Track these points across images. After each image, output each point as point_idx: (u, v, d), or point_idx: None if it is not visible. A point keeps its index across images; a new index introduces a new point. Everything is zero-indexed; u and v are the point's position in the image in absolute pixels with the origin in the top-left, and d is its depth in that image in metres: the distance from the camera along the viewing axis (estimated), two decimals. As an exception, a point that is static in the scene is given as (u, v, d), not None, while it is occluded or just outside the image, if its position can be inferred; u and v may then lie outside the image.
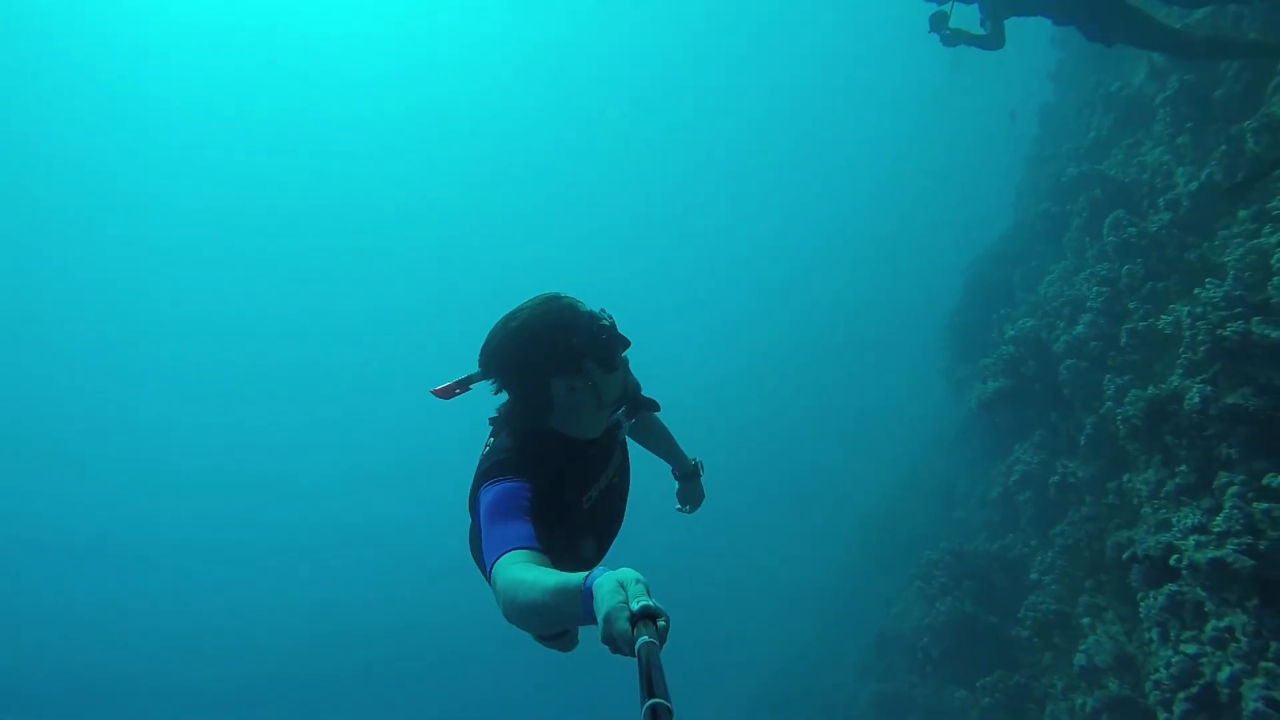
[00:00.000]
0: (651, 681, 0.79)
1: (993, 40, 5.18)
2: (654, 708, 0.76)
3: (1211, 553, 3.82)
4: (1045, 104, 13.11)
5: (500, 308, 1.91)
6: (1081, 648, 6.16)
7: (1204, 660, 4.32)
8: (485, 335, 1.86)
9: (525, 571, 1.29)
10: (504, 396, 1.95)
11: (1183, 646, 4.49)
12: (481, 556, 1.85)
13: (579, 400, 1.84)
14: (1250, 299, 5.11)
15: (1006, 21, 5.15)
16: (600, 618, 0.97)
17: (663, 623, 0.91)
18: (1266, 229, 5.41)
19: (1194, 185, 6.43)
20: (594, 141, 45.91)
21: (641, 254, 44.30)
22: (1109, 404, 6.34)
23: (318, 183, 43.94)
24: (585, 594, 1.06)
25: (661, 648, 0.86)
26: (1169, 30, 4.81)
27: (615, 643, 0.93)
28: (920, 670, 9.16)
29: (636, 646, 0.86)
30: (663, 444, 2.56)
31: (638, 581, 0.99)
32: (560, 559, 1.56)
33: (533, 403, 1.84)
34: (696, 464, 2.65)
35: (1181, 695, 4.38)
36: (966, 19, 5.38)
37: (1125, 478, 6.18)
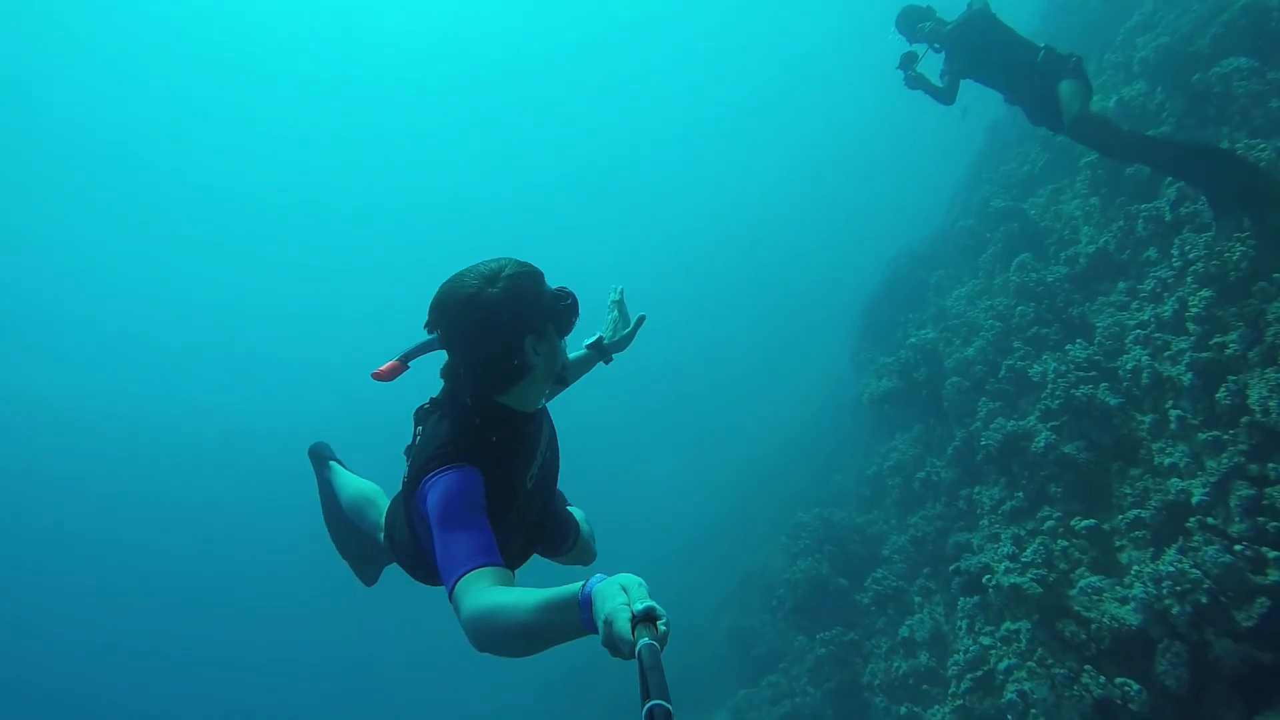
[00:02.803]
0: (651, 682, 0.81)
1: (946, 95, 5.60)
2: (653, 709, 0.78)
3: (1014, 578, 4.76)
4: (995, 120, 13.81)
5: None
6: (908, 622, 7.31)
7: (993, 652, 5.36)
8: (437, 295, 1.73)
9: (500, 595, 1.24)
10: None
11: (980, 638, 5.54)
12: (411, 543, 1.93)
13: (540, 364, 1.78)
14: (1104, 365, 6.01)
15: (962, 81, 5.60)
16: (600, 621, 0.97)
17: (663, 625, 0.92)
18: (1133, 305, 6.27)
19: (1091, 249, 7.25)
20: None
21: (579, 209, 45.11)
22: (978, 425, 7.25)
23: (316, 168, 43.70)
24: (584, 601, 1.05)
25: (662, 649, 0.88)
26: (1107, 134, 5.31)
27: (615, 645, 0.93)
28: (773, 614, 10.35)
29: (637, 648, 0.87)
30: (574, 372, 2.39)
31: (640, 585, 1.00)
32: (507, 543, 1.56)
33: (503, 364, 1.72)
34: (598, 340, 2.59)
35: (969, 675, 5.45)
36: (933, 67, 5.80)
37: (976, 489, 7.15)
